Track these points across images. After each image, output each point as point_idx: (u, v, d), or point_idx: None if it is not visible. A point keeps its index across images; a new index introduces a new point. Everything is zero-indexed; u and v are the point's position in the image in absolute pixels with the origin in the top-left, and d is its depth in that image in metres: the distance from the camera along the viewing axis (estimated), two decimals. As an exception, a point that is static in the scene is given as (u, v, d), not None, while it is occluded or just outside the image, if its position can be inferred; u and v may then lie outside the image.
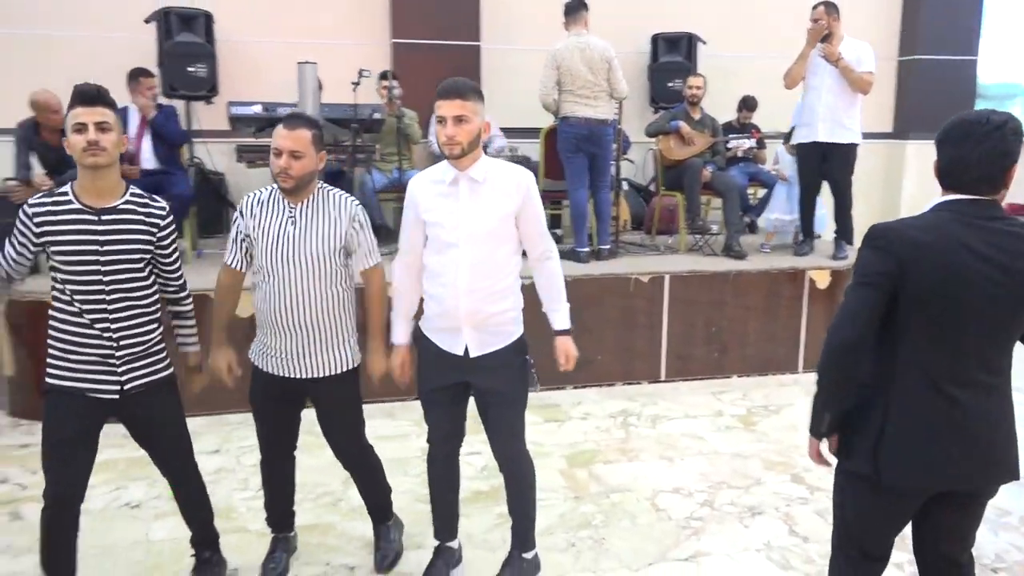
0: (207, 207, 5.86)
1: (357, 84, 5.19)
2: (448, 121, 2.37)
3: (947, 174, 1.89)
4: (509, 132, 6.30)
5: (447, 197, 2.50)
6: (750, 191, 6.66)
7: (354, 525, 3.19)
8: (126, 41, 5.93)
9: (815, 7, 5.26)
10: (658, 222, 6.34)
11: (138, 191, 2.47)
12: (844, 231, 5.55)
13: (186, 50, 5.79)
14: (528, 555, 2.78)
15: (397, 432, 4.13)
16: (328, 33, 6.49)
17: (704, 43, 6.97)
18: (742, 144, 6.47)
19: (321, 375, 2.64)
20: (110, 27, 6.08)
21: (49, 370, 2.38)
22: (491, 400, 2.58)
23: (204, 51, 5.87)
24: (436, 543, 2.83)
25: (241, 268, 2.67)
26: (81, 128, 2.27)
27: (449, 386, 2.59)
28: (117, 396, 2.40)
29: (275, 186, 2.58)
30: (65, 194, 2.36)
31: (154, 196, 2.52)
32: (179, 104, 5.81)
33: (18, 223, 2.36)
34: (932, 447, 1.84)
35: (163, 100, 5.51)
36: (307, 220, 2.57)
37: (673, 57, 6.86)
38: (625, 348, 4.96)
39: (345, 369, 2.69)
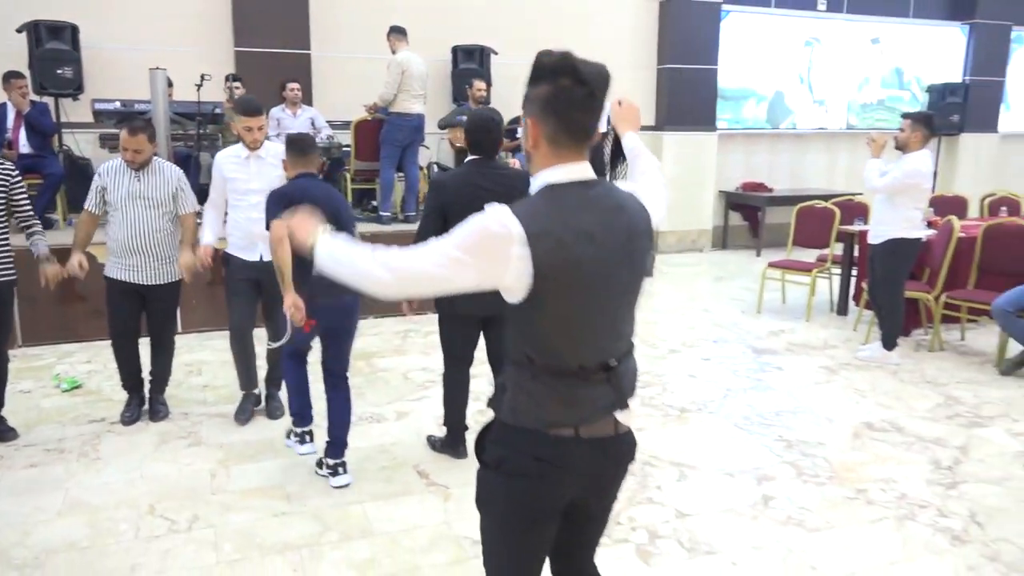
0: (76, 185, 7.03)
1: (200, 86, 6.59)
2: (254, 130, 4.03)
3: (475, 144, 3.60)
4: (331, 123, 7.79)
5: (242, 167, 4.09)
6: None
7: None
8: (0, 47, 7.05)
9: None
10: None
11: None
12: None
13: (55, 55, 6.97)
14: None
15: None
16: (179, 42, 7.77)
17: (496, 53, 8.67)
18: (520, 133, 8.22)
19: (154, 283, 4.13)
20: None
21: None
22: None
23: (71, 56, 7.06)
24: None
25: (96, 211, 4.10)
26: None
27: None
28: None
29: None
30: None
31: (8, 163, 3.94)
32: (50, 100, 7.00)
33: None
34: None
35: (35, 98, 6.73)
36: (147, 180, 4.05)
37: (469, 64, 8.52)
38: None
39: (170, 280, 4.19)
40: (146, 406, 4.39)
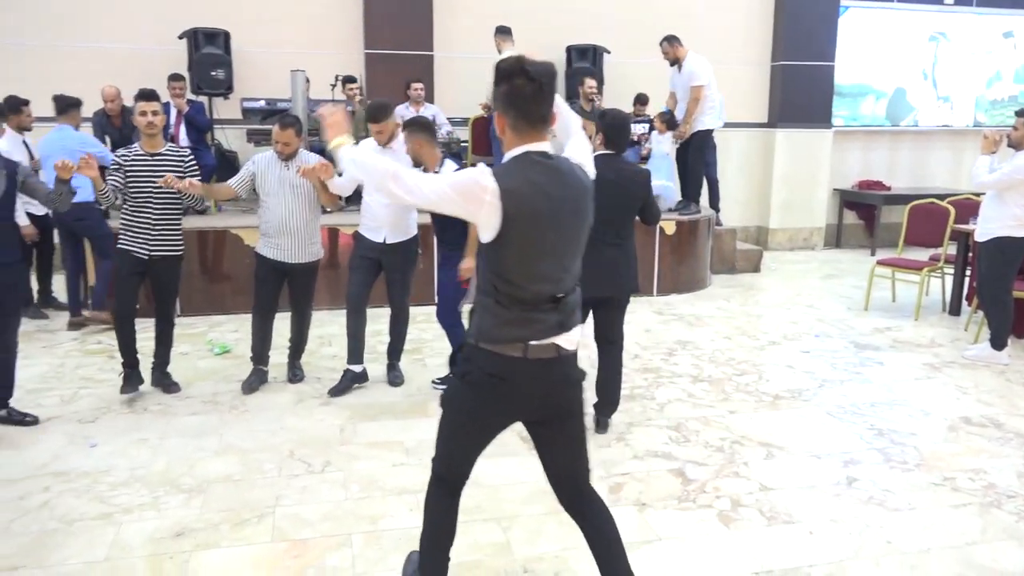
0: (226, 176, 7.75)
1: (334, 86, 7.23)
2: (383, 134, 4.51)
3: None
4: (451, 120, 8.29)
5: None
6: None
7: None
8: (165, 52, 7.93)
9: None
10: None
11: (172, 145, 4.52)
12: (690, 195, 7.60)
13: (210, 59, 7.79)
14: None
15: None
16: (315, 45, 8.48)
17: (609, 52, 8.95)
18: (637, 130, 8.47)
19: (297, 262, 4.69)
20: (153, 42, 8.08)
21: None
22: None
23: (223, 60, 7.87)
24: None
25: (236, 187, 4.66)
26: (144, 113, 4.33)
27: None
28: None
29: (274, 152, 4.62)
30: (134, 147, 4.45)
31: (181, 147, 4.54)
32: (204, 99, 7.83)
33: (112, 166, 4.39)
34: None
35: (193, 97, 7.56)
36: (294, 169, 4.60)
37: (582, 64, 8.83)
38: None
39: (311, 260, 4.73)
40: (265, 377, 4.93)
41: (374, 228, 4.66)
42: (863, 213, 10.32)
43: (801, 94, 9.62)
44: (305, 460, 3.82)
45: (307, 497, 3.45)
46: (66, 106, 6.06)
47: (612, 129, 4.00)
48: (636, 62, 9.03)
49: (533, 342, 2.16)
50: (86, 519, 3.25)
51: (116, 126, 7.16)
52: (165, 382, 4.73)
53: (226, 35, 7.92)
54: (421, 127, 4.42)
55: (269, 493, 3.48)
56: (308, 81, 7.32)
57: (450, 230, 4.49)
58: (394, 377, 4.90)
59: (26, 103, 6.11)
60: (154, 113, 4.37)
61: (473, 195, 2.09)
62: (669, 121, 7.63)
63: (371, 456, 3.87)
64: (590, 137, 3.97)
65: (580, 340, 2.29)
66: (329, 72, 7.61)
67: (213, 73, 7.81)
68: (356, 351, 4.78)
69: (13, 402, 4.23)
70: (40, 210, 5.99)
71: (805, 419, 4.45)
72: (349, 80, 7.80)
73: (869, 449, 4.05)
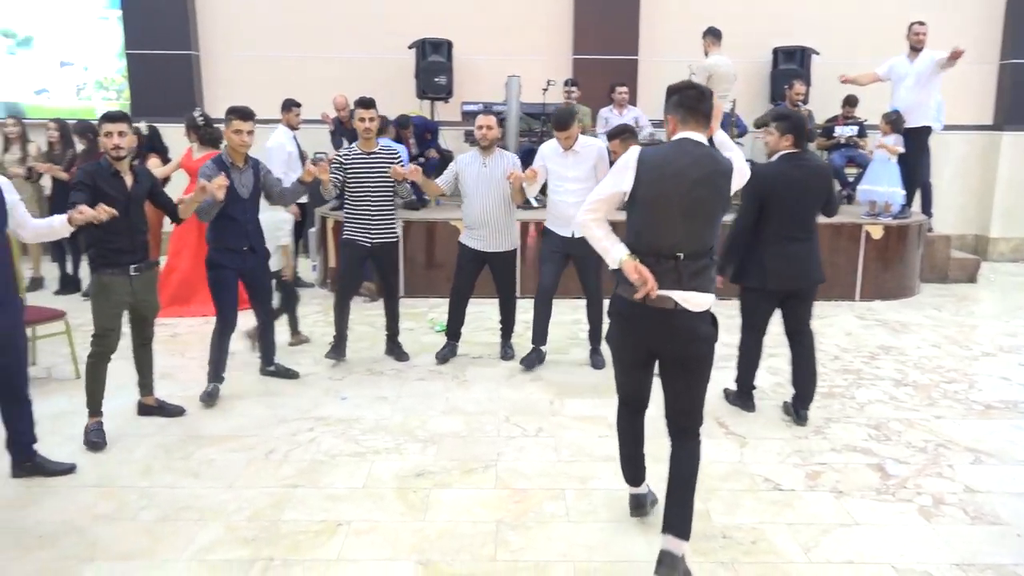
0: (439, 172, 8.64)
1: (545, 90, 7.73)
2: (560, 139, 4.96)
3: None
4: (652, 122, 8.55)
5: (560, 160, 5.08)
6: (848, 170, 8.42)
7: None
8: (394, 61, 8.83)
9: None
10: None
11: (384, 144, 5.11)
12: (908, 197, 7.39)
13: (434, 67, 8.58)
14: None
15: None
16: (527, 51, 9.06)
17: (818, 54, 8.80)
18: (845, 132, 8.29)
19: (495, 251, 5.19)
20: (384, 51, 9.02)
21: None
22: None
23: (445, 67, 8.63)
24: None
25: (443, 184, 5.22)
26: (362, 119, 4.95)
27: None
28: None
29: (475, 151, 5.14)
30: (352, 147, 5.08)
31: (391, 146, 5.16)
32: (426, 104, 8.63)
33: (333, 165, 5.03)
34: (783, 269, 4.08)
35: (416, 100, 8.37)
36: (491, 167, 5.08)
37: (789, 65, 8.76)
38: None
39: (508, 249, 5.22)
40: (455, 350, 5.46)
41: (561, 224, 5.06)
42: (1104, 224, 9.38)
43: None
44: (519, 425, 4.28)
45: (523, 455, 3.89)
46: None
47: (798, 129, 4.17)
48: (846, 63, 8.81)
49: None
50: (344, 455, 3.89)
51: (349, 128, 8.09)
52: (396, 352, 5.41)
53: (449, 44, 8.68)
54: (633, 134, 4.89)
55: (491, 449, 3.97)
56: (519, 86, 7.87)
57: None
58: (597, 361, 5.27)
59: (297, 104, 7.12)
60: (371, 119, 4.98)
61: (620, 171, 2.81)
62: (895, 122, 7.34)
63: (578, 427, 4.26)
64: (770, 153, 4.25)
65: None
66: (539, 76, 8.13)
67: (436, 79, 8.59)
68: (541, 334, 5.20)
69: (276, 359, 5.06)
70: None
71: (1018, 430, 4.31)
72: (571, 83, 8.30)
73: (1092, 464, 3.88)
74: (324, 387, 4.85)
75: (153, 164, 6.57)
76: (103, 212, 3.51)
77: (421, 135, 8.07)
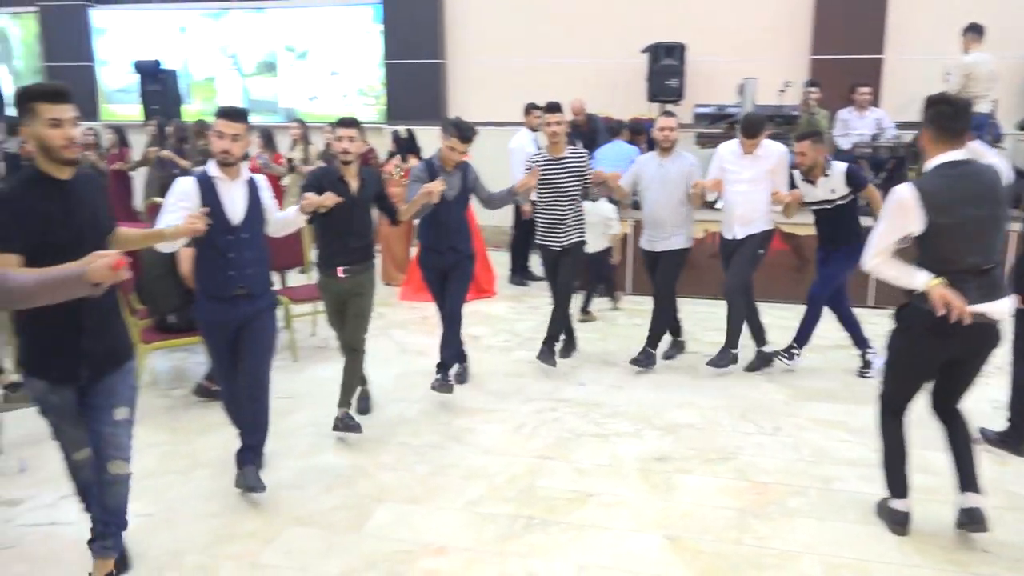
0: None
1: (783, 91, 7.61)
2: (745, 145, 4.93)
3: None
4: (900, 124, 8.11)
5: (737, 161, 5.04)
6: None
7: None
8: (627, 66, 9.07)
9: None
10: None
11: (572, 148, 5.11)
12: None
13: (666, 70, 8.72)
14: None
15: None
16: (761, 53, 8.93)
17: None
18: None
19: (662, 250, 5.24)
20: (617, 57, 9.30)
21: None
22: None
23: (676, 70, 8.74)
24: None
25: (627, 187, 5.23)
26: (548, 124, 4.99)
27: None
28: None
29: (655, 152, 5.18)
30: (541, 152, 5.18)
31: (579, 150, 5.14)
32: (655, 106, 8.79)
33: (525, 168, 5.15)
34: None
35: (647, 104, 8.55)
36: (668, 167, 5.04)
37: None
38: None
39: (678, 248, 5.18)
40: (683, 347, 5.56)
41: (726, 227, 5.10)
42: None
43: None
44: (755, 422, 4.34)
45: (763, 452, 3.97)
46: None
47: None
48: None
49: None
50: (587, 435, 4.18)
51: (583, 130, 8.42)
52: (545, 355, 5.13)
53: (682, 47, 8.77)
54: (822, 137, 5.02)
55: (729, 442, 4.08)
56: (755, 88, 7.81)
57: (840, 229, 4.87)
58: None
59: (538, 107, 7.56)
60: (558, 123, 4.97)
61: (901, 214, 2.91)
62: None
63: (817, 429, 4.25)
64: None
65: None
66: (771, 78, 7.99)
67: (667, 82, 8.72)
68: (759, 335, 5.18)
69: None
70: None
71: None
72: (812, 84, 8.12)
73: None
74: (563, 374, 5.17)
75: (413, 164, 7.29)
76: (329, 199, 3.76)
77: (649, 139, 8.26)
